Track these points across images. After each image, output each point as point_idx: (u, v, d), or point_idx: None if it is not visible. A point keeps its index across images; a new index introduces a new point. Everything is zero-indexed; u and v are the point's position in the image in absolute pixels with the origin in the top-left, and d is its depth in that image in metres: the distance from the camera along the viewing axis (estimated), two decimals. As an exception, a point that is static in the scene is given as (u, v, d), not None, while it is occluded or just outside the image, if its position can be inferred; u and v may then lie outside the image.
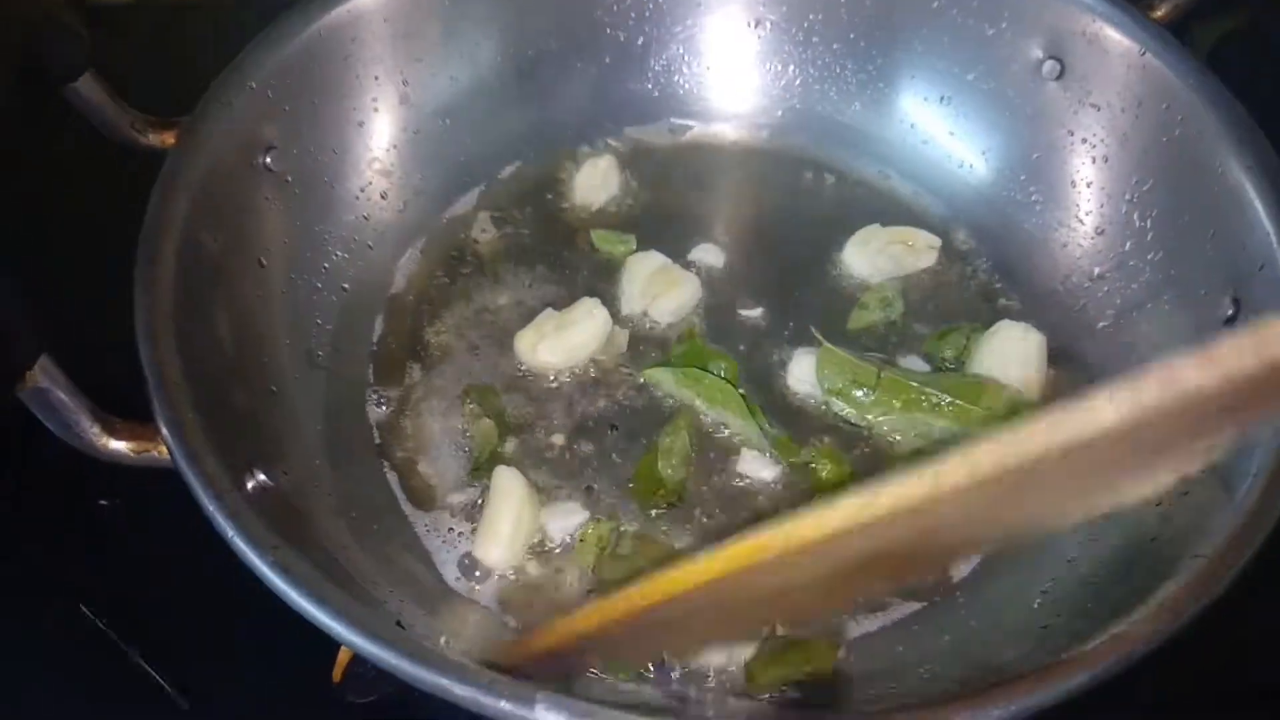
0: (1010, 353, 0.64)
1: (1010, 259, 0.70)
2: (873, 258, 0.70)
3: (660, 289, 0.67)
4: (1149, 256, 0.65)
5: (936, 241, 0.70)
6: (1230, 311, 0.58)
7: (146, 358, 0.48)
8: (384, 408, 0.63)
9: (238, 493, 0.46)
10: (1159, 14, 0.69)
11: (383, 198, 0.69)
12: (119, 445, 0.48)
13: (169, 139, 0.58)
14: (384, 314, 0.67)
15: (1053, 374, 0.65)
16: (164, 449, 0.47)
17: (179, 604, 0.61)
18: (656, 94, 0.76)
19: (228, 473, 0.47)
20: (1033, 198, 0.71)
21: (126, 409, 0.49)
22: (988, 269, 0.70)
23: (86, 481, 0.64)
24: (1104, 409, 0.29)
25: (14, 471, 0.66)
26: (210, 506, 0.44)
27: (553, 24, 0.73)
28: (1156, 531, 0.53)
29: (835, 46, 0.75)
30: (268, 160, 0.62)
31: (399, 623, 0.44)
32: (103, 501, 0.65)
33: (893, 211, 0.73)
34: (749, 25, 0.75)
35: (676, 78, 0.76)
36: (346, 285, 0.66)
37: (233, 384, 0.54)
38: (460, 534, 0.58)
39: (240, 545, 0.44)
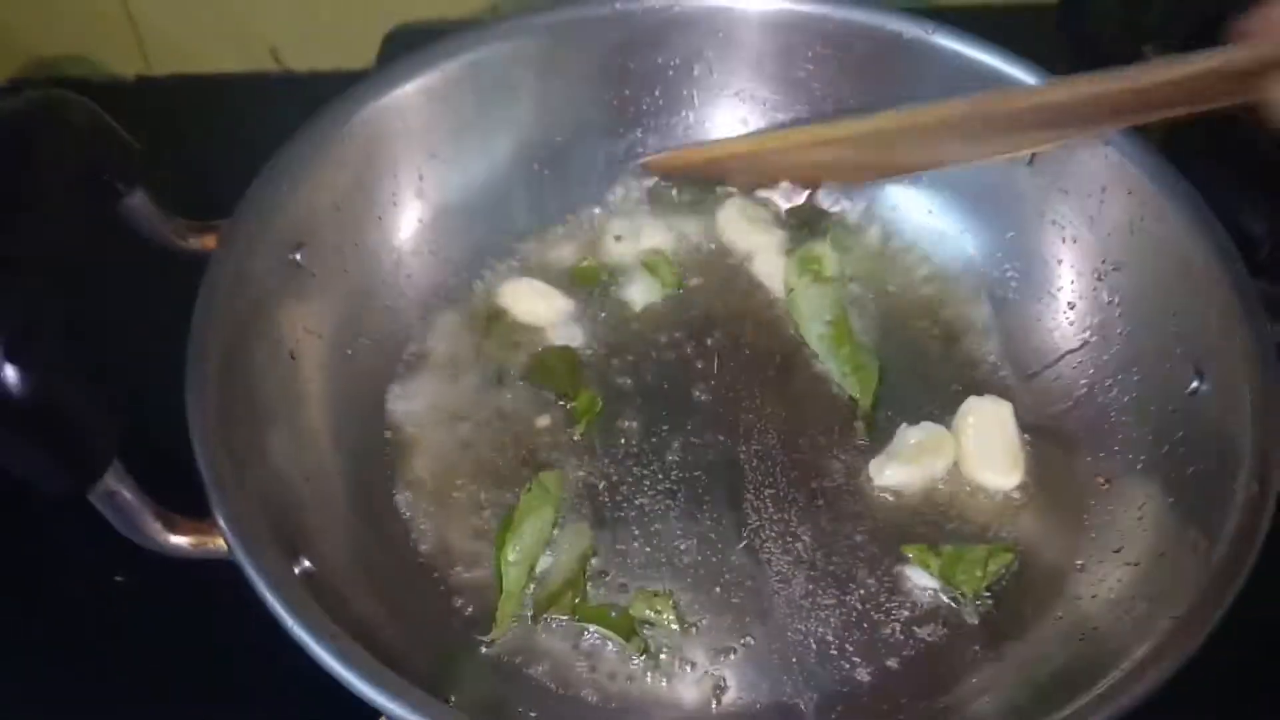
0: (989, 424, 0.69)
1: (992, 331, 0.75)
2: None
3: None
4: (1117, 331, 0.70)
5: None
6: (1194, 384, 0.63)
7: (203, 460, 0.52)
8: (409, 493, 0.67)
9: (294, 582, 0.50)
10: (1119, 106, 0.74)
11: (402, 287, 0.73)
12: (180, 541, 0.51)
13: (210, 242, 0.62)
14: (415, 402, 0.70)
15: (1030, 441, 0.69)
16: (222, 542, 0.50)
17: (210, 674, 0.65)
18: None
19: (282, 562, 0.51)
20: (1009, 274, 0.76)
21: (174, 495, 0.53)
22: (971, 341, 0.75)
23: (100, 559, 0.67)
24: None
25: (30, 552, 0.69)
26: (271, 598, 0.48)
27: (558, 121, 0.77)
28: (1135, 591, 0.59)
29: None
30: (298, 257, 0.66)
31: (448, 700, 0.48)
32: (118, 578, 0.68)
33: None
34: (741, 121, 0.80)
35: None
36: (371, 373, 0.70)
37: (274, 475, 0.58)
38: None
39: (301, 634, 0.47)
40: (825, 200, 0.81)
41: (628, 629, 0.61)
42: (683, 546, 0.65)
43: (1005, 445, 0.69)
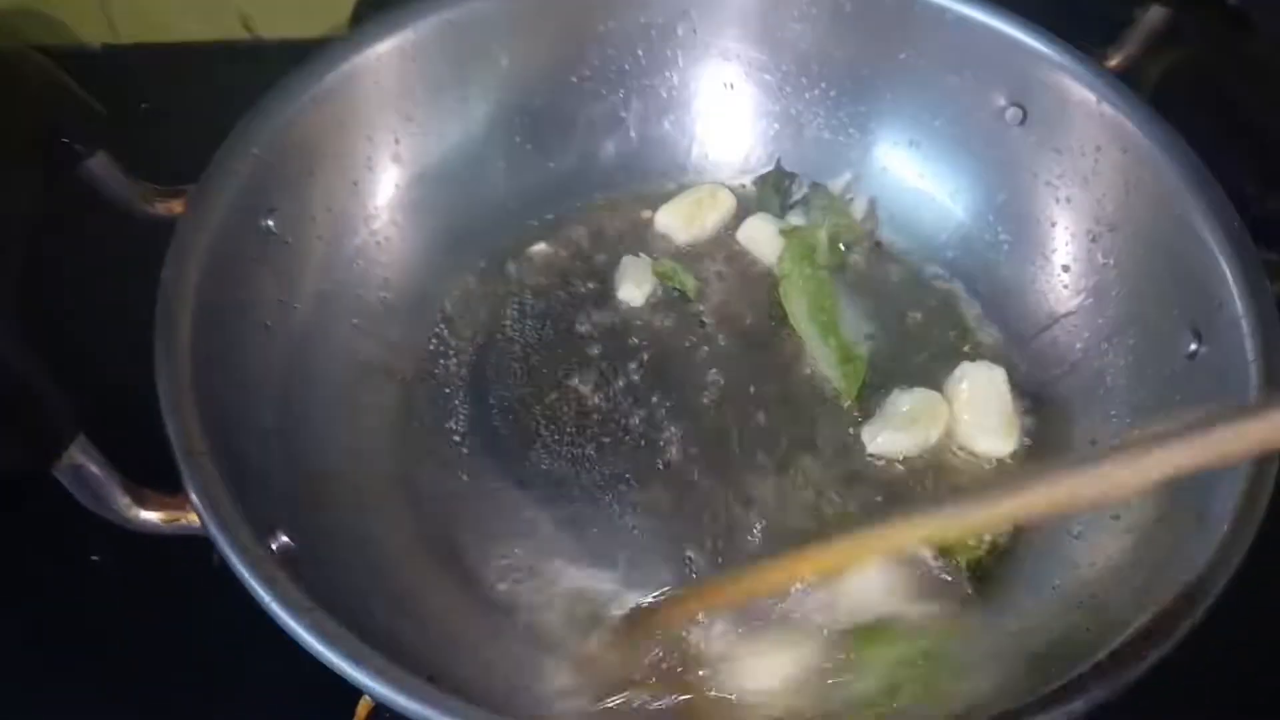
0: (982, 390, 0.68)
1: (984, 295, 0.74)
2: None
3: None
4: (1113, 293, 0.69)
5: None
6: (1193, 347, 0.61)
7: (173, 429, 0.50)
8: (398, 462, 0.65)
9: (268, 557, 0.48)
10: (1113, 63, 0.73)
11: (380, 255, 0.71)
12: (150, 516, 0.49)
13: (177, 207, 0.59)
14: (387, 370, 0.69)
15: (1026, 407, 0.68)
16: (194, 517, 0.48)
17: (189, 657, 0.63)
18: (636, 154, 0.79)
19: (256, 537, 0.49)
20: (1001, 236, 0.75)
21: (149, 472, 0.51)
22: (964, 306, 0.74)
23: (75, 537, 0.65)
24: None
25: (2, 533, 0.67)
26: (245, 573, 0.46)
27: (537, 84, 0.75)
28: (1135, 558, 0.57)
29: (807, 96, 0.78)
30: (270, 223, 0.63)
31: (430, 677, 0.46)
32: (94, 558, 0.66)
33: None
34: (725, 82, 0.78)
35: (656, 137, 0.79)
36: (350, 343, 0.68)
37: (251, 447, 0.56)
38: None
39: (276, 609, 0.45)
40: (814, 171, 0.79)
41: None
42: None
43: (1000, 411, 0.67)
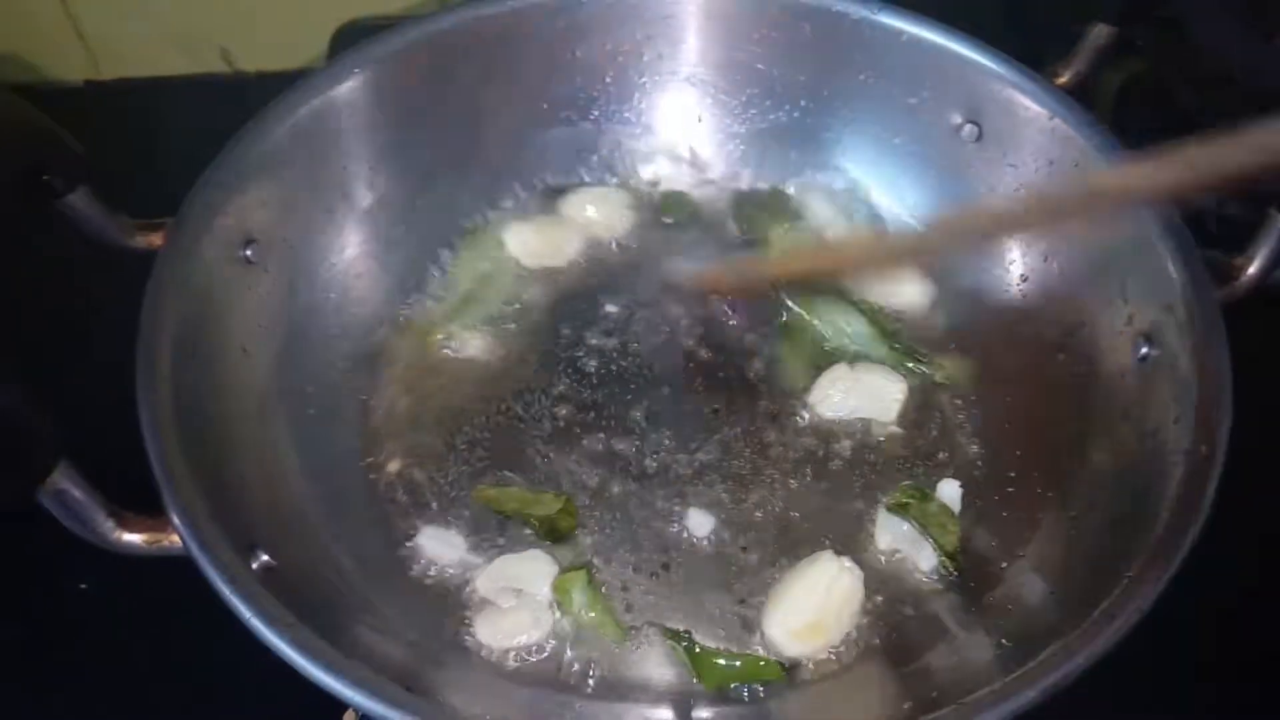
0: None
1: (946, 308, 0.76)
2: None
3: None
4: (1069, 302, 0.71)
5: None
6: (1144, 350, 0.63)
7: (154, 454, 0.51)
8: (379, 481, 0.67)
9: (249, 575, 0.49)
10: (1062, 80, 0.75)
11: (356, 281, 0.73)
12: (133, 538, 0.51)
13: (156, 240, 0.61)
14: (371, 391, 0.71)
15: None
16: (176, 538, 0.50)
17: (178, 676, 0.64)
18: (603, 169, 0.82)
19: (237, 556, 0.50)
20: (961, 249, 0.77)
21: (131, 496, 0.52)
22: (927, 320, 0.76)
23: (62, 567, 0.67)
24: None
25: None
26: (226, 591, 0.48)
27: (509, 112, 0.77)
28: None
29: (771, 118, 0.80)
30: (248, 253, 0.65)
31: (409, 688, 0.48)
32: (82, 585, 0.68)
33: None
34: (692, 100, 0.81)
35: (626, 160, 0.82)
36: (327, 366, 0.70)
37: (230, 469, 0.57)
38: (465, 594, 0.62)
39: (258, 625, 0.47)
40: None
41: None
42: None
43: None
